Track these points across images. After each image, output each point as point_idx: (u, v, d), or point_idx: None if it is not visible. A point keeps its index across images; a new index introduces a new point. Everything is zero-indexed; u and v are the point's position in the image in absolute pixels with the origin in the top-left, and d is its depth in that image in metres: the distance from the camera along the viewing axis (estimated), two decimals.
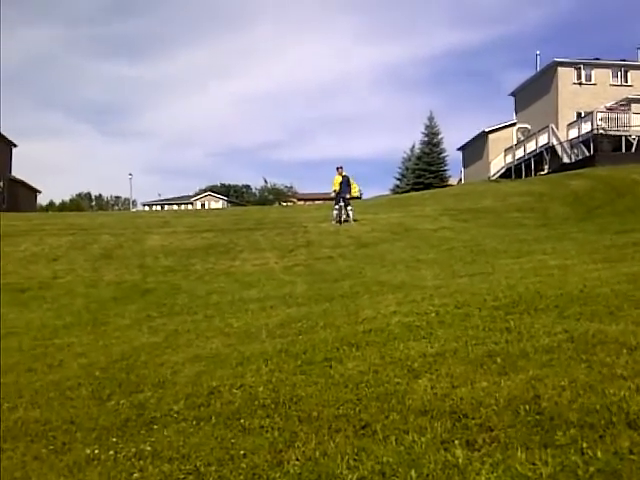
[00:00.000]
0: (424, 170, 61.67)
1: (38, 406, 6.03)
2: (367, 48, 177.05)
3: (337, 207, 24.41)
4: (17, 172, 60.08)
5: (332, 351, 6.55)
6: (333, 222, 24.32)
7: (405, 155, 67.89)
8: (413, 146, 66.80)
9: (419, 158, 63.48)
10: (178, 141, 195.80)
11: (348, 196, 24.56)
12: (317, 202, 69.44)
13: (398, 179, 67.26)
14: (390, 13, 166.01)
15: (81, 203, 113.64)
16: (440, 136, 63.92)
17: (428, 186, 55.75)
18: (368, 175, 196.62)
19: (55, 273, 18.79)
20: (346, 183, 24.45)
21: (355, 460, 3.81)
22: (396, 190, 63.52)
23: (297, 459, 3.94)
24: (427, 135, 64.03)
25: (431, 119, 64.47)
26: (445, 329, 6.79)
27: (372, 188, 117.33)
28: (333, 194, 24.96)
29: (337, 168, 25.07)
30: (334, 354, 6.42)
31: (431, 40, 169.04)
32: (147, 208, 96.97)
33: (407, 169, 65.76)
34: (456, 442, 3.85)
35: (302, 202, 77.70)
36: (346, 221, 24.24)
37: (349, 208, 24.48)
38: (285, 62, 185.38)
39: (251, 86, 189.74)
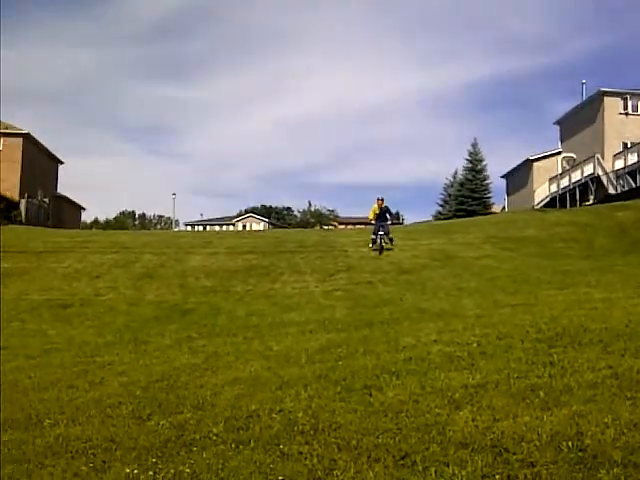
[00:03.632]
0: (467, 197, 61.26)
1: (79, 423, 6.09)
2: (413, 73, 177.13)
3: (374, 237, 24.12)
4: (63, 189, 61.28)
5: (372, 378, 6.52)
6: (371, 245, 24.30)
7: (448, 181, 67.61)
8: (456, 172, 66.49)
9: (462, 184, 63.09)
10: (222, 162, 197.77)
11: (388, 223, 24.68)
12: (358, 226, 69.41)
13: (440, 205, 66.93)
14: (436, 39, 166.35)
15: (125, 221, 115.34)
16: (484, 163, 63.50)
17: (471, 213, 55.25)
18: (409, 201, 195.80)
19: (97, 290, 19.05)
20: (384, 213, 24.48)
21: None
22: (438, 216, 63.19)
23: None
24: (471, 162, 63.66)
25: (475, 145, 64.18)
26: (487, 360, 6.71)
27: (413, 214, 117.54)
28: (373, 221, 24.89)
29: (378, 199, 25.04)
30: (374, 382, 6.38)
31: (477, 67, 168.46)
32: (189, 228, 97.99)
33: (449, 195, 65.40)
34: (497, 477, 3.80)
35: (343, 226, 77.78)
36: (387, 249, 23.94)
37: (390, 235, 24.45)
38: (331, 86, 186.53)
39: (296, 109, 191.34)
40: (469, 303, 12.36)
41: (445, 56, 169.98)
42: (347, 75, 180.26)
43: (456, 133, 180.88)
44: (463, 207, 59.99)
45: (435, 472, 3.97)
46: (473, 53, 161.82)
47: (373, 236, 24.04)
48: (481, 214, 53.07)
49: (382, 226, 23.98)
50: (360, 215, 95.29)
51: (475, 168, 63.32)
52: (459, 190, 62.94)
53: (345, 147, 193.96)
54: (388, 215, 24.74)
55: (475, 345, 7.50)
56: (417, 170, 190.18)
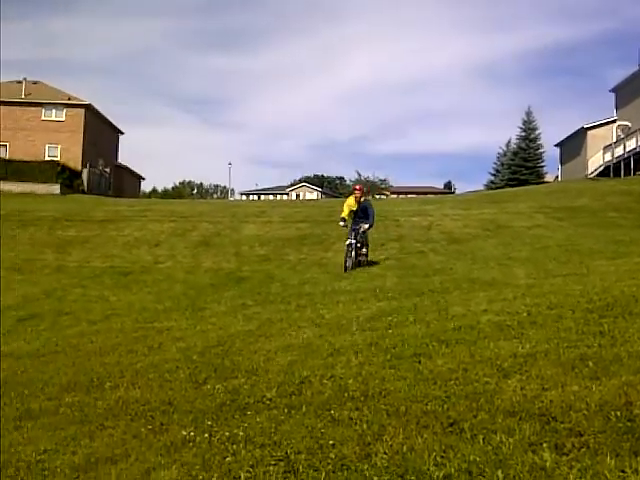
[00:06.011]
0: (520, 166, 60.32)
1: (138, 386, 6.33)
2: (464, 43, 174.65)
3: (348, 242, 16.03)
4: (123, 159, 62.39)
5: (421, 347, 6.59)
6: (346, 266, 15.99)
7: (501, 150, 66.73)
8: (509, 141, 65.57)
9: (515, 154, 62.15)
10: (276, 132, 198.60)
11: (366, 227, 16.18)
12: (410, 196, 69.10)
13: (493, 174, 66.15)
14: (487, 7, 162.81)
15: (182, 191, 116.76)
16: (537, 132, 62.44)
17: (523, 182, 54.44)
18: (461, 170, 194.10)
19: (156, 258, 19.53)
20: (363, 211, 16.34)
21: (442, 457, 3.85)
22: (490, 186, 62.46)
23: (385, 452, 4.02)
24: (524, 130, 62.60)
25: (529, 114, 63.07)
26: (537, 330, 6.72)
27: (465, 183, 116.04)
28: (341, 223, 16.75)
29: (354, 189, 17.38)
30: (423, 350, 6.45)
31: (529, 35, 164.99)
32: (244, 197, 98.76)
33: (502, 165, 64.53)
34: (544, 445, 3.84)
35: (395, 195, 77.29)
36: (358, 263, 16.23)
37: (363, 250, 16.53)
38: (381, 56, 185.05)
39: (348, 79, 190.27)
40: (520, 272, 12.29)
41: (498, 23, 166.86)
42: (396, 45, 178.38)
43: (509, 102, 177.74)
44: (516, 176, 59.19)
45: (483, 439, 4.04)
46: (527, 20, 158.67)
47: (348, 242, 16.03)
48: (534, 183, 52.31)
49: (355, 230, 16.10)
50: (413, 184, 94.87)
51: (529, 137, 62.30)
52: (512, 159, 62.10)
53: (397, 116, 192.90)
54: (368, 212, 16.39)
55: (525, 314, 7.50)
56: (469, 139, 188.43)
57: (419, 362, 6.01)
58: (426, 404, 4.81)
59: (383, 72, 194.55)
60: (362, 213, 16.23)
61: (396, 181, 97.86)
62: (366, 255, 16.61)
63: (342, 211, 16.64)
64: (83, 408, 5.67)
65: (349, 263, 15.76)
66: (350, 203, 16.54)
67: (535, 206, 26.95)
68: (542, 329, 6.72)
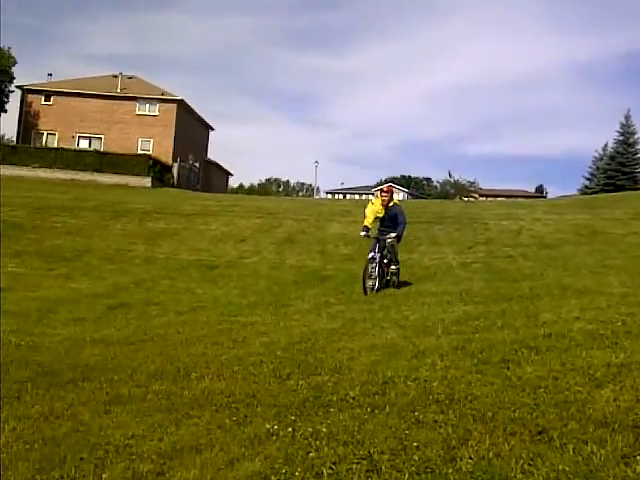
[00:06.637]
0: (616, 171, 58.41)
1: (223, 378, 6.41)
2: (562, 44, 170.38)
3: (370, 256, 12.99)
4: (212, 154, 63.65)
5: (510, 353, 6.45)
6: (365, 287, 12.82)
7: (597, 154, 64.69)
8: (606, 145, 63.52)
9: (612, 158, 60.19)
10: (364, 132, 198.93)
11: (393, 236, 13.00)
12: (500, 198, 67.90)
13: (587, 179, 64.20)
14: (586, 7, 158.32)
15: (268, 187, 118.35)
16: (636, 136, 60.31)
17: (620, 188, 52.70)
18: (555, 174, 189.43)
19: (242, 253, 19.81)
20: (392, 218, 13.29)
21: (529, 465, 3.77)
22: (585, 191, 60.65)
23: (470, 457, 3.95)
24: (622, 134, 60.58)
25: (628, 117, 61.01)
26: (632, 340, 6.47)
27: (558, 187, 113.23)
28: (363, 233, 13.42)
29: (382, 191, 14.33)
30: (512, 356, 6.31)
31: (630, 36, 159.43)
32: (329, 196, 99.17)
33: (598, 169, 62.57)
34: (638, 458, 3.71)
35: (484, 198, 76.19)
36: (386, 284, 13.26)
37: (392, 267, 13.39)
38: (476, 56, 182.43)
39: (439, 79, 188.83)
40: (614, 281, 11.86)
41: (598, 23, 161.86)
42: (492, 45, 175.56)
43: (608, 104, 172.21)
44: (612, 181, 57.31)
45: (573, 449, 3.92)
46: (631, 22, 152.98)
47: (370, 256, 12.98)
48: (630, 189, 50.49)
49: (381, 241, 13.14)
50: (502, 187, 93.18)
51: (627, 141, 60.23)
52: (608, 164, 60.14)
53: (489, 117, 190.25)
54: (398, 219, 13.24)
55: (620, 324, 7.23)
56: (564, 142, 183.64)
57: (507, 368, 5.88)
58: (514, 411, 4.71)
59: (478, 72, 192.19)
60: (390, 221, 13.28)
61: (485, 183, 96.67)
62: (397, 274, 13.50)
63: (365, 218, 13.52)
64: (170, 396, 5.77)
65: (371, 283, 12.83)
66: (376, 208, 13.47)
67: (631, 212, 25.98)
68: (637, 339, 6.48)
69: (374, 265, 12.86)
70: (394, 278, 13.39)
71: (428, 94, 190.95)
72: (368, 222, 13.32)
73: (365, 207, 13.87)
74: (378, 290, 12.70)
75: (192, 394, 5.84)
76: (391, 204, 13.38)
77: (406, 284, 13.47)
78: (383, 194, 13.64)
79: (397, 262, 13.43)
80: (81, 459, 4.28)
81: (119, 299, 12.89)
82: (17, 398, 5.81)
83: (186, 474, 4.00)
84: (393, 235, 12.97)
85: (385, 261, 13.15)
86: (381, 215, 13.37)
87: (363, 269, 13.00)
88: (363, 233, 13.34)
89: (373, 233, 13.35)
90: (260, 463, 4.10)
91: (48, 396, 5.88)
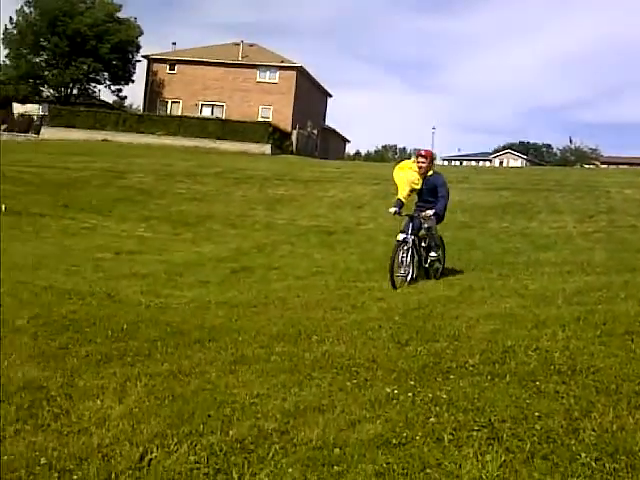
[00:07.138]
0: None
1: (343, 342, 6.52)
2: None
3: (401, 238, 10.25)
4: (330, 121, 63.95)
5: (634, 325, 6.29)
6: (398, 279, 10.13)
7: None
8: None
9: None
10: (481, 97, 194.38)
11: (430, 214, 10.33)
12: (622, 166, 64.89)
13: None
14: None
15: (385, 154, 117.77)
16: None
17: None
18: None
19: (359, 220, 19.96)
20: (431, 191, 10.68)
21: None
22: None
23: (593, 429, 3.92)
24: None
25: None
26: None
27: None
28: (393, 209, 10.64)
29: (419, 154, 10.82)
30: (636, 328, 6.16)
31: None
32: (446, 163, 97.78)
33: None
34: None
35: (606, 165, 73.00)
36: (426, 273, 10.74)
37: (432, 254, 10.72)
38: (597, 20, 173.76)
39: (560, 44, 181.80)
40: None
41: None
42: (614, 8, 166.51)
43: None
44: None
45: None
46: None
47: (400, 239, 10.24)
48: None
49: (415, 220, 10.49)
50: (625, 155, 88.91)
51: None
52: None
53: (612, 83, 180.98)
54: (439, 192, 10.59)
55: None
56: None
57: (631, 340, 5.76)
58: (638, 384, 4.62)
59: (599, 36, 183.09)
60: (429, 194, 10.64)
61: (608, 150, 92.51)
62: (441, 261, 11.03)
63: (398, 190, 10.81)
64: (292, 358, 5.94)
65: (402, 271, 10.18)
66: (411, 178, 10.61)
67: None
68: None
69: (406, 249, 10.24)
70: (437, 265, 10.90)
71: (547, 59, 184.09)
72: (402, 195, 10.63)
73: (397, 176, 10.83)
74: (411, 282, 10.18)
75: (313, 356, 5.97)
76: (430, 172, 10.63)
77: (454, 272, 11.17)
78: (420, 159, 10.62)
79: (438, 247, 10.76)
80: (209, 416, 4.46)
81: (241, 263, 13.26)
82: (148, 356, 6.07)
83: (309, 433, 4.12)
84: (430, 213, 10.28)
85: (423, 245, 10.64)
86: (418, 187, 10.68)
87: (391, 257, 10.13)
88: (393, 209, 10.57)
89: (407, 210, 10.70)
90: (381, 426, 4.20)
91: (177, 354, 6.12)
